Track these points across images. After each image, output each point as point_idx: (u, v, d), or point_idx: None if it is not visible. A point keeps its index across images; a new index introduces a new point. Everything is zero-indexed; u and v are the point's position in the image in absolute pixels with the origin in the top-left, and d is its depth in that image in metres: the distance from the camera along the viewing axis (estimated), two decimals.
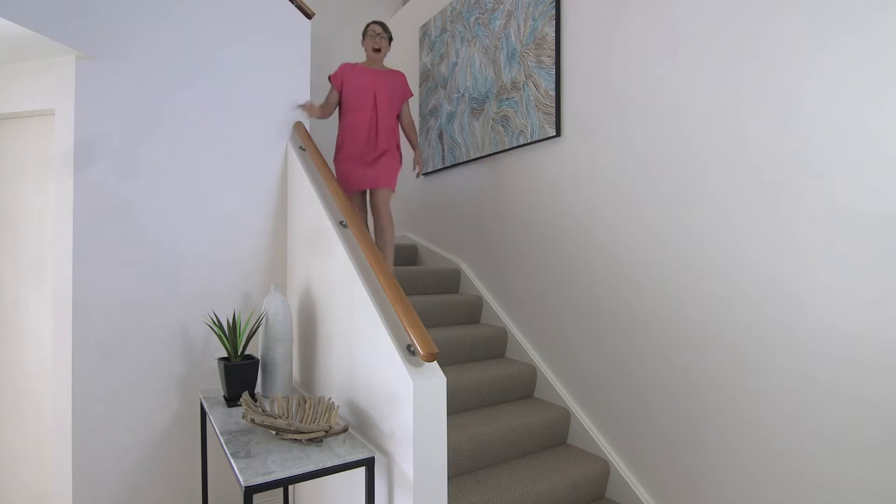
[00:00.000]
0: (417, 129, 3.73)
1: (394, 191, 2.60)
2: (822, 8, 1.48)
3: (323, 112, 2.53)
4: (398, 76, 2.66)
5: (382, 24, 2.61)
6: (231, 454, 1.35)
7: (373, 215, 2.61)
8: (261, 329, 1.89)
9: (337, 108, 2.68)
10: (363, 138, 2.53)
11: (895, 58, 1.33)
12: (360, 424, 1.60)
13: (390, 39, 2.63)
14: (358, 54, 3.96)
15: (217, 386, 2.08)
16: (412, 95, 2.73)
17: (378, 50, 2.58)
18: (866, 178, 1.38)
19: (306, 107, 2.40)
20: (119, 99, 1.88)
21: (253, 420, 1.44)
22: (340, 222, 1.88)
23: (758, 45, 1.63)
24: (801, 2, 1.52)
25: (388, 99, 2.59)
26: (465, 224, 3.17)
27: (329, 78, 2.64)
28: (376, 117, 2.54)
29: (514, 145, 2.70)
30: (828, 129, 1.46)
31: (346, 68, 2.61)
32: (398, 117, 2.72)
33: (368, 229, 2.51)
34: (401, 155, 2.66)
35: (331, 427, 1.42)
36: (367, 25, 2.61)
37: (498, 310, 2.83)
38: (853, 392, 1.40)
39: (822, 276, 1.47)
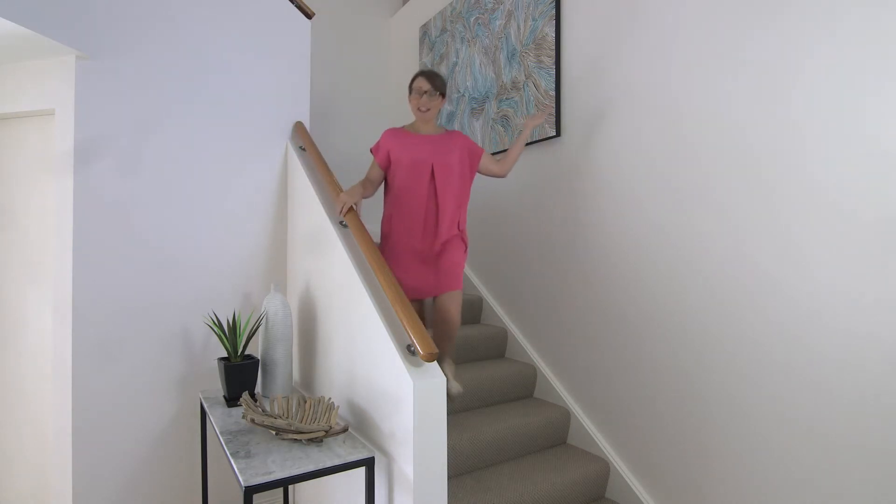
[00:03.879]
0: None
1: (460, 289, 2.03)
2: (820, 8, 1.48)
3: (364, 191, 2.01)
4: (457, 139, 2.06)
5: (430, 77, 2.01)
6: (231, 454, 1.35)
7: (435, 316, 2.02)
8: (261, 329, 1.89)
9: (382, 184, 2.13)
10: (419, 227, 1.96)
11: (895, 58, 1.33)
12: (360, 424, 1.60)
13: (443, 94, 2.04)
14: (359, 55, 3.96)
15: (217, 386, 2.08)
16: (483, 151, 2.12)
17: (426, 111, 2.01)
18: (867, 180, 1.38)
19: (342, 202, 1.85)
20: (119, 99, 1.87)
21: (253, 420, 1.44)
22: (340, 222, 1.88)
23: (758, 45, 1.63)
24: (800, 2, 1.52)
25: (448, 172, 1.98)
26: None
27: (371, 150, 2.10)
28: (435, 199, 1.97)
29: None
30: (827, 129, 1.46)
31: (392, 136, 2.04)
32: (484, 175, 2.18)
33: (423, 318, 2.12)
34: (465, 242, 2.08)
35: (331, 427, 1.42)
36: (413, 79, 2.03)
37: (498, 310, 2.83)
38: (854, 393, 1.40)
39: (823, 277, 1.47)
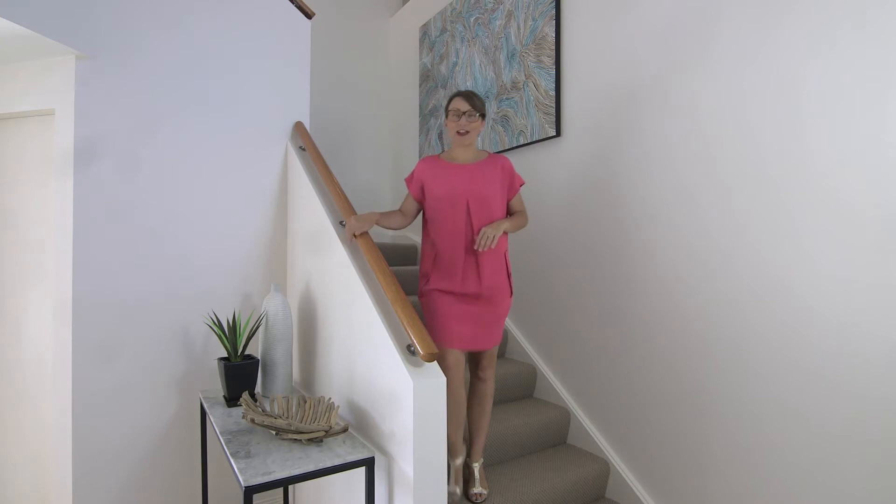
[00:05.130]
0: (418, 131, 3.73)
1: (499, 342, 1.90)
2: (824, 11, 1.48)
3: (392, 222, 1.85)
4: (499, 163, 1.83)
5: (469, 97, 1.79)
6: (231, 454, 1.35)
7: (471, 372, 1.89)
8: (261, 329, 1.89)
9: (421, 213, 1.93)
10: (457, 268, 1.75)
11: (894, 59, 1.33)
12: (360, 424, 1.60)
13: (483, 116, 1.82)
14: (359, 55, 3.96)
15: (217, 386, 2.08)
16: (524, 183, 1.91)
17: (465, 133, 1.79)
18: (869, 178, 1.38)
19: (351, 230, 1.73)
20: (119, 99, 1.87)
21: (253, 420, 1.44)
22: (340, 222, 1.88)
23: (759, 43, 1.63)
24: (804, 4, 1.52)
25: (487, 206, 1.76)
26: None
27: (405, 181, 1.93)
28: (472, 236, 1.75)
29: (514, 145, 2.70)
30: (835, 128, 1.46)
31: (426, 167, 1.85)
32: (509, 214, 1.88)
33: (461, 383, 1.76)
34: (512, 289, 1.86)
35: (331, 427, 1.42)
36: (450, 100, 1.82)
37: None
38: (856, 390, 1.40)
39: (826, 273, 1.47)
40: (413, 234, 3.75)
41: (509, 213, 1.88)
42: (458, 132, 1.79)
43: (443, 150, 2.20)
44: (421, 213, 1.91)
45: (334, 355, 1.79)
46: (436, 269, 1.80)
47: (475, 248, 1.71)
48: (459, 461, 1.81)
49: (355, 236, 1.74)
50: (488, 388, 1.86)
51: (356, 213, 1.81)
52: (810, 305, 1.49)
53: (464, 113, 1.78)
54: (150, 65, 1.94)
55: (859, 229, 1.39)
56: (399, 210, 1.89)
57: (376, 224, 1.80)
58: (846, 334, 1.41)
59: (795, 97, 1.54)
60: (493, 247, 1.71)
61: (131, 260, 1.90)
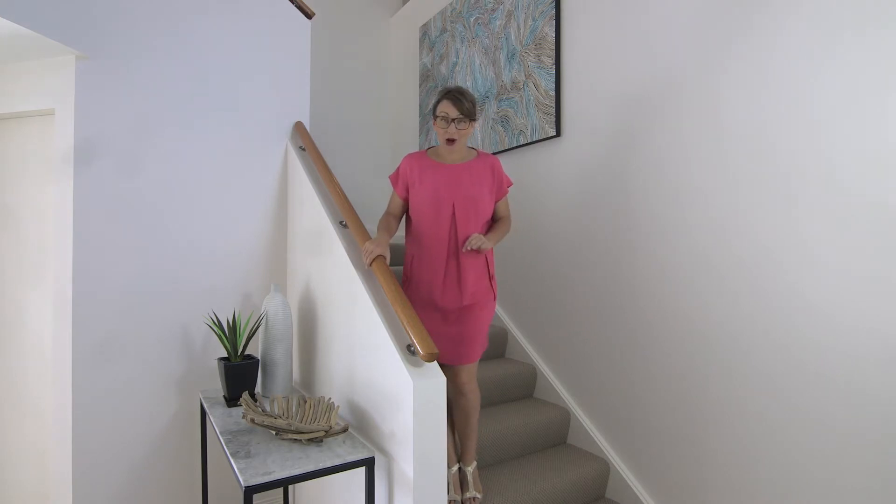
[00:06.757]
0: (418, 131, 3.73)
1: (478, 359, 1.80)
2: (828, 10, 1.48)
3: (393, 231, 1.75)
4: (488, 164, 1.75)
5: (458, 100, 1.65)
6: (231, 454, 1.35)
7: (452, 391, 1.78)
8: (261, 329, 1.89)
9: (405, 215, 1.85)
10: (439, 274, 1.68)
11: None
12: (360, 424, 1.60)
13: (472, 118, 1.68)
14: (359, 55, 3.96)
15: (217, 386, 2.08)
16: (511, 184, 1.85)
17: (452, 141, 1.68)
18: (873, 179, 1.38)
19: (369, 252, 1.58)
20: (119, 99, 1.87)
21: (253, 420, 1.44)
22: (340, 222, 1.88)
23: (762, 41, 1.63)
24: (809, 4, 1.52)
25: (473, 208, 1.69)
26: None
27: (390, 178, 1.83)
28: (456, 242, 1.68)
29: (514, 145, 2.70)
30: (834, 128, 1.46)
31: (411, 164, 1.75)
32: (493, 218, 1.82)
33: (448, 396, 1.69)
34: (495, 293, 1.81)
35: (331, 427, 1.42)
36: (438, 100, 1.69)
37: (498, 310, 2.83)
38: (857, 389, 1.40)
39: (830, 273, 1.47)
40: None
41: (494, 216, 1.82)
42: (447, 140, 1.68)
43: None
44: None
45: (334, 355, 1.79)
46: (417, 273, 1.74)
47: (463, 249, 1.66)
48: (454, 469, 1.81)
49: (370, 263, 1.59)
50: (471, 402, 1.78)
51: (370, 238, 1.67)
52: (813, 305, 1.49)
53: (453, 120, 1.65)
54: (150, 65, 1.94)
55: (862, 229, 1.39)
56: (389, 213, 1.81)
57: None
58: (848, 334, 1.41)
59: (802, 98, 1.54)
60: (480, 248, 1.66)
61: (131, 260, 1.90)
